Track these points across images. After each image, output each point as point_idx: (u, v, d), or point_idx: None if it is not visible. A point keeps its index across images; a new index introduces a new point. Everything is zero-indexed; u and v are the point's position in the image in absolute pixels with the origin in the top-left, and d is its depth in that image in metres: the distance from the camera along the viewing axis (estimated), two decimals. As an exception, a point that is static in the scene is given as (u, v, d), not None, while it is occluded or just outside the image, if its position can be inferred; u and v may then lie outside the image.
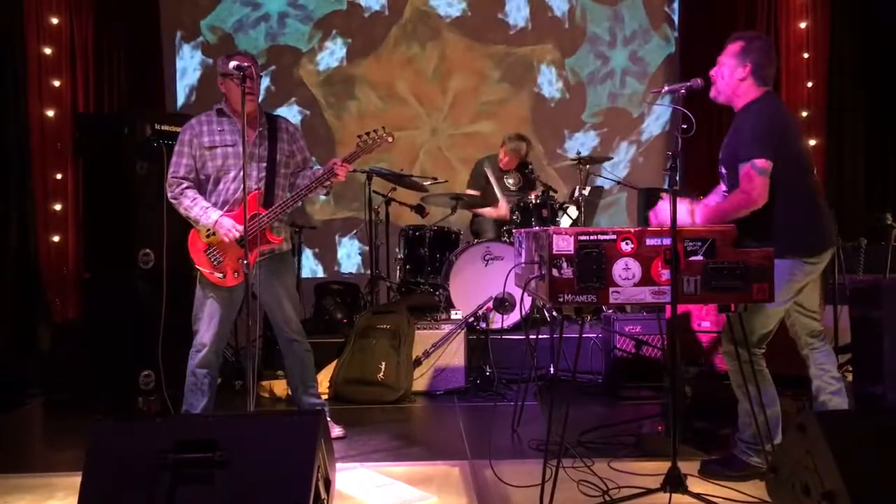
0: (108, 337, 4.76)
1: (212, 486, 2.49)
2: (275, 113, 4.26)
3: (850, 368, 4.88)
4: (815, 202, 3.47)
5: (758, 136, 3.31)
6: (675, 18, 7.73)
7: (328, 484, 2.87)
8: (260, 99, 4.11)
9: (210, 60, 7.49)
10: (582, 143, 7.73)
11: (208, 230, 3.86)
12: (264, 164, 3.97)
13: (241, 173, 3.83)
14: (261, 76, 4.00)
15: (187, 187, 3.88)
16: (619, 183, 6.35)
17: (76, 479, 2.67)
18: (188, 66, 7.62)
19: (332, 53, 7.68)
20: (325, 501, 2.78)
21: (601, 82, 7.77)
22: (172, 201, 3.90)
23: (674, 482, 3.03)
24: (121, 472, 2.56)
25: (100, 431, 2.67)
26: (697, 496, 3.03)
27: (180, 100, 7.60)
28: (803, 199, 3.41)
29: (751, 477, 3.37)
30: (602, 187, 6.36)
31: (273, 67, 7.62)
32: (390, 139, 3.98)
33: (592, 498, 3.19)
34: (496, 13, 7.71)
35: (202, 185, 3.93)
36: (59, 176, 6.19)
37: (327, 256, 7.69)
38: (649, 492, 3.11)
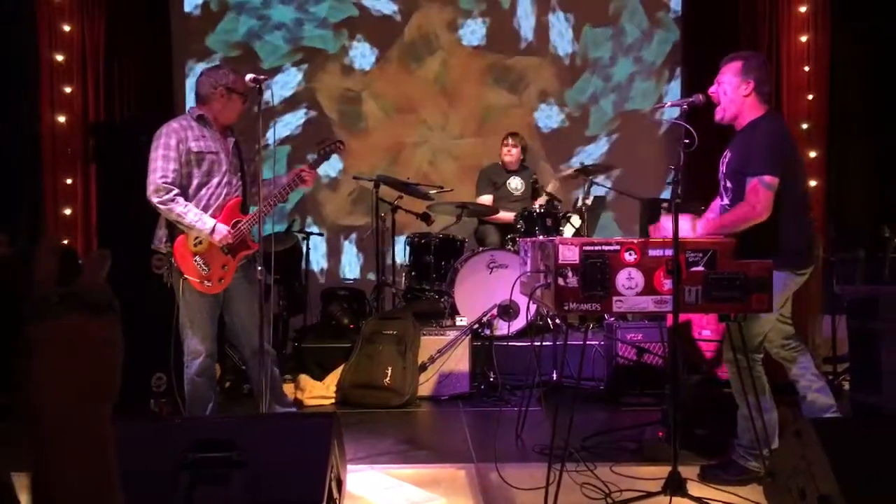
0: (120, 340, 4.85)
1: (230, 485, 2.57)
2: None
3: (848, 378, 4.97)
4: (809, 220, 3.66)
5: (768, 154, 3.43)
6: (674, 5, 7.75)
7: (340, 484, 2.96)
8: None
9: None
10: (590, 154, 7.78)
11: (196, 239, 3.92)
12: (239, 174, 4.11)
13: (224, 180, 4.00)
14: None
15: (177, 194, 3.89)
16: (620, 193, 6.42)
17: (93, 478, 2.76)
18: (199, 71, 7.67)
19: (364, 56, 7.74)
20: (337, 501, 2.86)
21: (605, 97, 7.84)
22: (160, 206, 3.88)
23: (674, 486, 3.13)
24: (142, 471, 2.64)
25: (121, 431, 2.76)
26: (697, 500, 3.12)
27: (190, 105, 7.66)
28: (801, 217, 3.57)
29: (749, 481, 3.46)
30: (605, 197, 6.45)
31: (306, 66, 7.72)
32: (342, 146, 4.33)
33: (595, 500, 3.28)
34: (504, 28, 7.80)
35: (184, 190, 3.95)
36: (69, 181, 6.27)
37: (333, 263, 7.77)
38: (650, 495, 3.20)
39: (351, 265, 7.79)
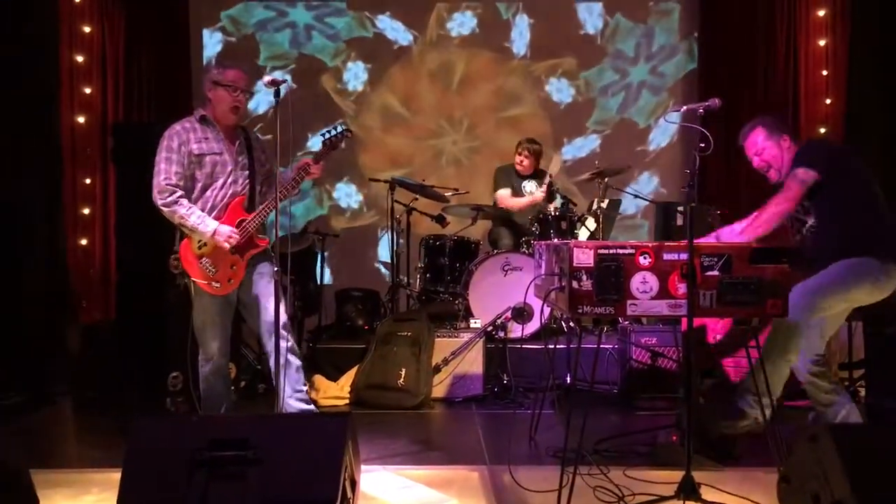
0: (138, 338, 4.90)
1: (245, 483, 2.60)
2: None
3: (864, 384, 4.95)
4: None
5: (808, 153, 3.77)
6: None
7: (354, 484, 2.97)
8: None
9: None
10: (580, 146, 7.81)
11: (200, 241, 3.92)
12: (246, 173, 4.08)
13: (229, 180, 4.00)
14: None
15: (181, 196, 3.89)
16: (637, 197, 6.40)
17: (110, 475, 2.79)
18: (207, 37, 7.77)
19: (357, 76, 7.82)
20: (351, 501, 2.88)
21: (613, 95, 7.84)
22: (164, 209, 3.88)
23: (687, 490, 3.12)
24: (159, 467, 2.68)
25: (139, 428, 2.80)
26: (710, 504, 3.12)
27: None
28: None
29: (743, 428, 3.72)
30: (620, 201, 6.43)
31: (293, 66, 7.78)
32: (350, 134, 4.19)
33: (608, 504, 3.28)
34: (512, 29, 7.82)
35: (188, 193, 3.95)
36: (88, 181, 6.35)
37: (348, 264, 7.79)
38: (663, 499, 3.19)
39: (366, 267, 7.82)
